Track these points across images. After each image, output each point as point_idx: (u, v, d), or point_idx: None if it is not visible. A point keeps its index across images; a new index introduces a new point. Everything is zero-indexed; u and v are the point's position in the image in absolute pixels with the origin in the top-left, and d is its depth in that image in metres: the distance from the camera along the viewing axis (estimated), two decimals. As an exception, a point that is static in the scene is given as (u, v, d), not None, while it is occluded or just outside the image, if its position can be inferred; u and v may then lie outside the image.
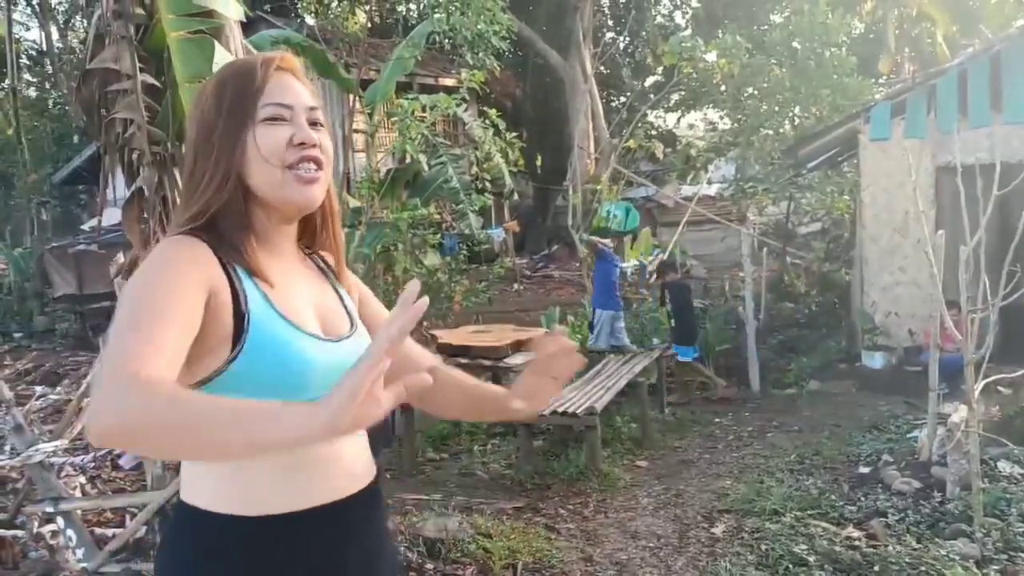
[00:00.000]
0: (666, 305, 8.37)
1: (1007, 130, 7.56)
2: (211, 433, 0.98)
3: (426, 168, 10.25)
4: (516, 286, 14.69)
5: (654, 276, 15.01)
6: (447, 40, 10.84)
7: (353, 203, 10.54)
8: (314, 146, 1.29)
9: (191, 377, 1.18)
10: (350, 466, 1.32)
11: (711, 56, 12.37)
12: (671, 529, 4.63)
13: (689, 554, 4.29)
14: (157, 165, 3.42)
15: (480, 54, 10.64)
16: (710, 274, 15.52)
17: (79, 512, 3.85)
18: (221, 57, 3.08)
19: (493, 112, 9.50)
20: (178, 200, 3.64)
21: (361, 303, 1.48)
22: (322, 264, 1.45)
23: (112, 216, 9.85)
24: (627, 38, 22.16)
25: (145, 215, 3.55)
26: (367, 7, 15.25)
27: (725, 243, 16.08)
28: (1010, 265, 4.01)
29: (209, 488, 1.25)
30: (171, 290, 1.15)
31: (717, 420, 6.97)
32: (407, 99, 10.04)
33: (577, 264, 16.24)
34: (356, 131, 13.25)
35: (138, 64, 3.35)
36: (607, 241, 9.10)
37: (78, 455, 4.32)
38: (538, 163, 22.07)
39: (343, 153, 13.21)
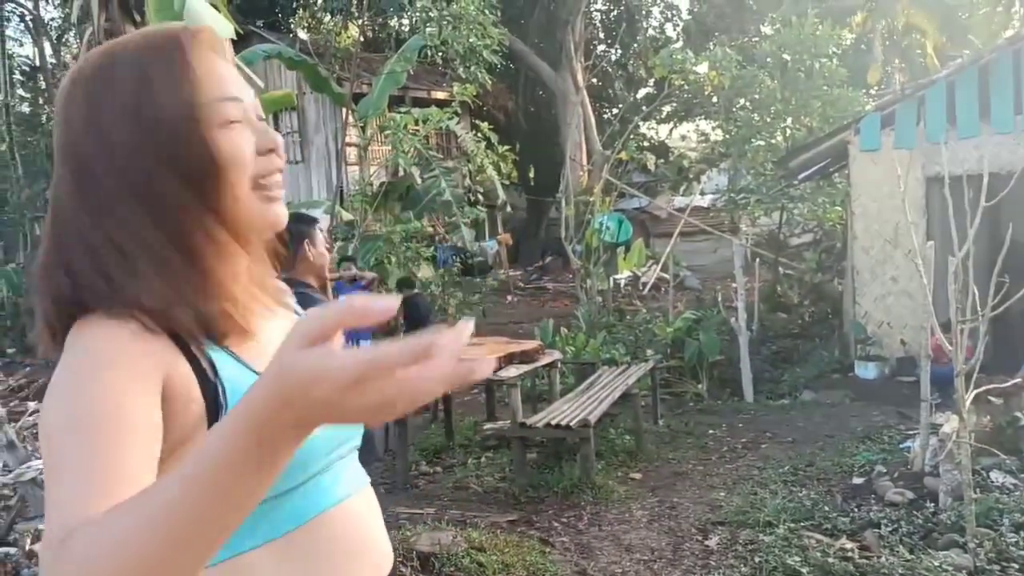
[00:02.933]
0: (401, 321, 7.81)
1: (996, 140, 7.60)
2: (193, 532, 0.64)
3: (419, 181, 10.29)
4: (510, 298, 14.69)
5: (647, 287, 15.10)
6: (439, 54, 10.90)
7: (346, 216, 10.57)
8: (278, 147, 1.00)
9: None
10: (379, 552, 1.07)
11: (702, 68, 12.44)
12: (665, 542, 4.63)
13: (683, 567, 4.29)
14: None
15: (472, 68, 10.70)
16: (704, 285, 15.58)
17: (70, 530, 3.83)
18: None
19: (485, 125, 9.55)
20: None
21: None
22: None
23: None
24: (619, 50, 22.26)
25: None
26: (359, 21, 15.32)
27: (718, 254, 16.16)
28: (999, 275, 4.03)
29: None
30: (110, 406, 0.79)
31: (711, 431, 6.96)
32: (399, 113, 10.09)
33: (571, 276, 16.29)
34: (348, 144, 13.28)
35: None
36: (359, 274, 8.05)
37: (69, 472, 4.30)
38: (531, 175, 22.14)
39: (336, 167, 13.24)
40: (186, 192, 0.92)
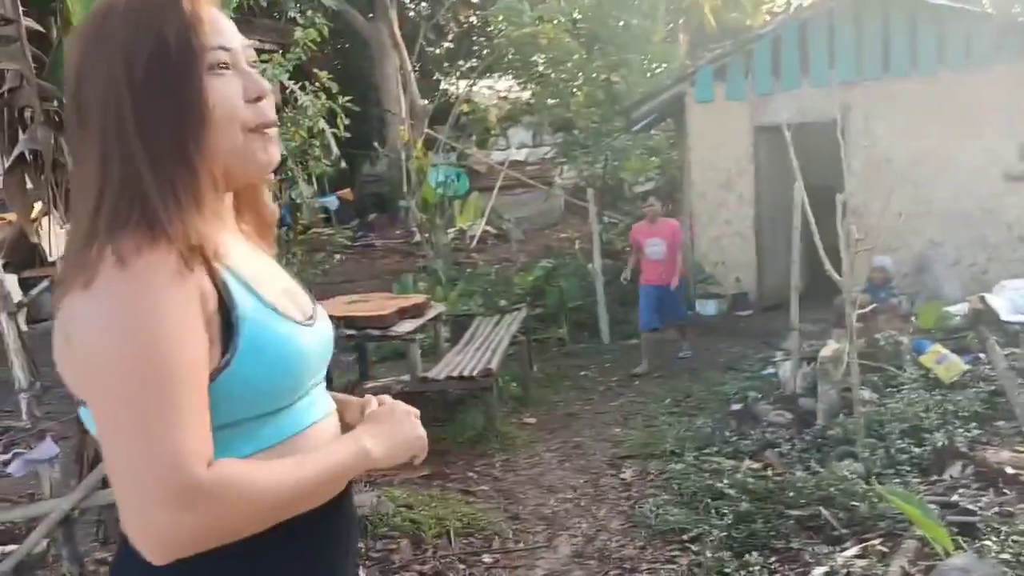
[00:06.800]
0: None
1: (813, 92, 8.31)
2: (307, 501, 1.05)
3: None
4: (338, 257, 14.25)
5: (475, 240, 15.24)
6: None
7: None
8: (269, 97, 1.08)
9: None
10: None
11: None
12: (583, 479, 4.77)
13: (609, 500, 4.45)
14: (51, 124, 2.96)
15: (308, 13, 10.11)
16: (526, 236, 15.94)
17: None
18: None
19: (324, 74, 9.08)
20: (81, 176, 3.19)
21: None
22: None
23: None
24: (427, 6, 21.91)
25: (29, 183, 3.09)
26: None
27: (538, 205, 16.60)
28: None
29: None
30: (180, 344, 0.93)
31: (583, 373, 7.21)
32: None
33: (398, 232, 16.03)
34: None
35: (20, 7, 2.89)
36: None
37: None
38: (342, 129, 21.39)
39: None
40: (183, 136, 0.99)
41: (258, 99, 1.05)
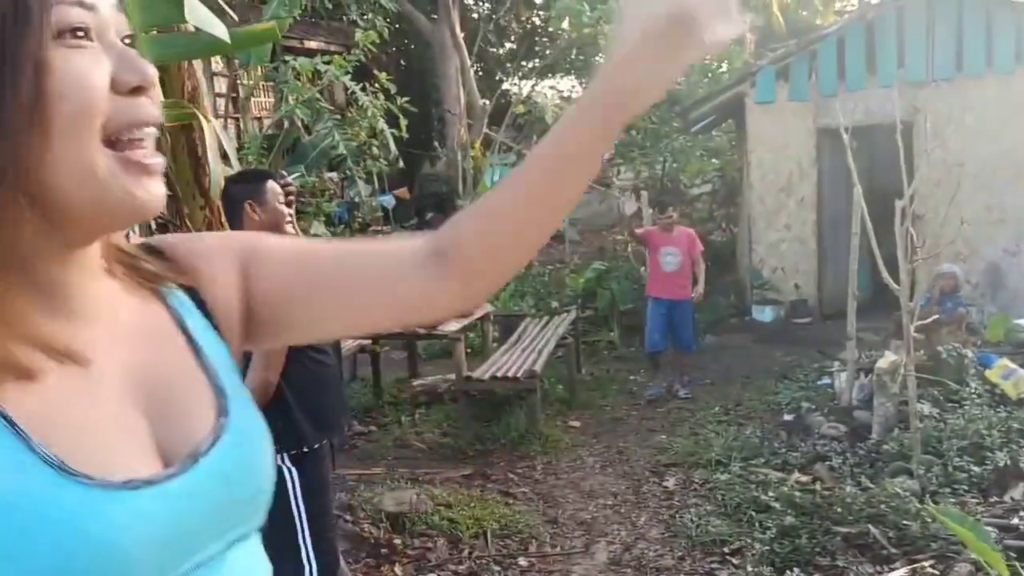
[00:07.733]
0: None
1: (880, 93, 8.03)
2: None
3: (306, 134, 9.80)
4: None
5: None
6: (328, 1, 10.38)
7: (227, 172, 9.90)
8: (151, 87, 0.66)
9: None
10: None
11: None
12: (624, 486, 4.69)
13: (649, 508, 4.36)
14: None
15: (368, 16, 10.23)
16: (582, 238, 15.83)
17: None
18: (192, 4, 2.73)
19: (383, 76, 9.18)
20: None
21: (252, 275, 0.78)
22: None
23: None
24: (487, 5, 22.00)
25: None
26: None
27: (603, 206, 16.51)
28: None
29: None
30: None
31: (632, 377, 7.11)
32: (283, 62, 9.54)
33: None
34: (220, 95, 12.49)
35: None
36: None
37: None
38: (402, 129, 21.59)
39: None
40: None
41: (136, 90, 0.64)
